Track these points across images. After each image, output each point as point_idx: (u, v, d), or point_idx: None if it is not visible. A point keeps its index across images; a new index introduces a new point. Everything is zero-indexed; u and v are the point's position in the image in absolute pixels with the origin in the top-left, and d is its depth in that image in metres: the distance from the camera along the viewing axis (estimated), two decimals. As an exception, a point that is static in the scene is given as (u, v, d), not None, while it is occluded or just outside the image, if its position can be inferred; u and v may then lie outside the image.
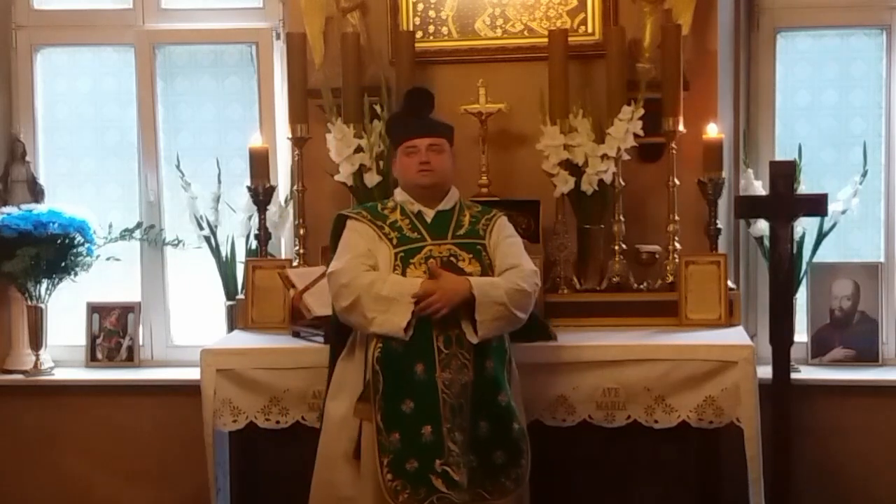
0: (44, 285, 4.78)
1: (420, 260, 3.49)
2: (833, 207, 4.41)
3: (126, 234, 4.86)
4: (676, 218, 4.17)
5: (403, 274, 3.46)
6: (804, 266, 4.53)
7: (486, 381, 3.43)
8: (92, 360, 4.94)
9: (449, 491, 3.35)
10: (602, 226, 4.21)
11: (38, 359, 4.84)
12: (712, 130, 4.18)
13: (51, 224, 4.70)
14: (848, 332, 4.63)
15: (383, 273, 3.48)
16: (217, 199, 4.77)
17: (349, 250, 3.53)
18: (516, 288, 3.46)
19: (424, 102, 3.69)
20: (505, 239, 3.61)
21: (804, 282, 4.56)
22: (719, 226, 4.17)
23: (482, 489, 3.42)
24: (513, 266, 3.52)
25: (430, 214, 3.58)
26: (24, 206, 4.79)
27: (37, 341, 4.84)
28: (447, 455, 3.35)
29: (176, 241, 4.88)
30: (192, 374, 3.97)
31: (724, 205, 4.33)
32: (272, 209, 4.49)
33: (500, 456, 3.44)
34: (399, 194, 3.65)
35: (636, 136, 4.10)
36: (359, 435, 3.47)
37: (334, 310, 3.56)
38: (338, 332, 3.63)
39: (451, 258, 3.50)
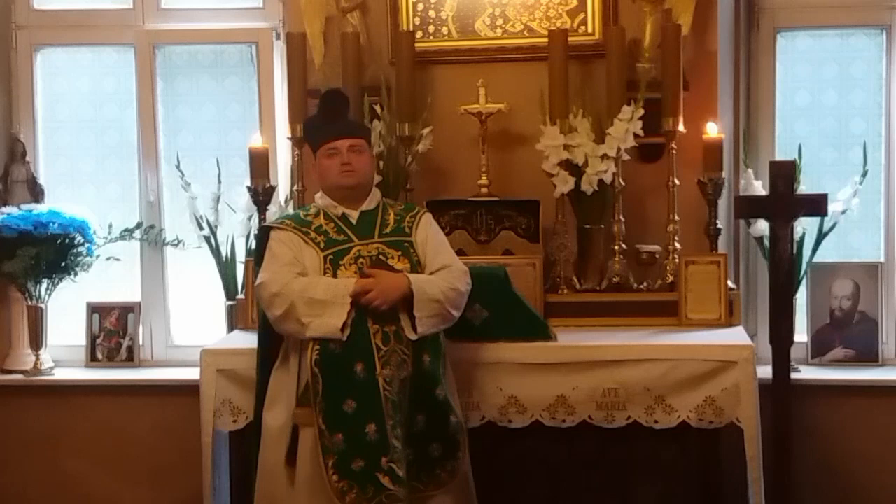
0: (44, 285, 4.78)
1: (350, 261, 3.50)
2: (833, 207, 4.41)
3: (126, 234, 4.86)
4: (676, 218, 4.17)
5: (334, 276, 3.48)
6: (804, 266, 4.53)
7: (423, 375, 3.46)
8: (92, 360, 4.94)
9: (395, 487, 3.36)
10: (602, 226, 4.20)
11: (38, 359, 4.84)
12: (712, 130, 4.18)
13: (51, 224, 4.70)
14: (848, 332, 4.62)
15: (315, 277, 3.48)
16: (217, 199, 4.77)
17: (275, 260, 3.53)
18: (451, 287, 3.51)
19: (340, 104, 3.70)
20: (434, 237, 3.64)
21: (804, 282, 4.56)
22: (719, 226, 4.16)
23: (417, 481, 3.45)
24: (444, 266, 3.57)
25: (354, 215, 3.60)
26: (24, 206, 4.79)
27: (37, 341, 4.84)
28: (392, 452, 3.37)
29: (176, 241, 4.88)
30: (192, 374, 3.97)
31: (724, 205, 4.33)
32: (272, 209, 4.49)
33: (437, 448, 3.48)
34: (321, 198, 3.66)
35: (636, 136, 4.10)
36: (292, 442, 3.48)
37: (264, 319, 3.57)
38: (267, 341, 3.64)
39: (381, 256, 3.52)
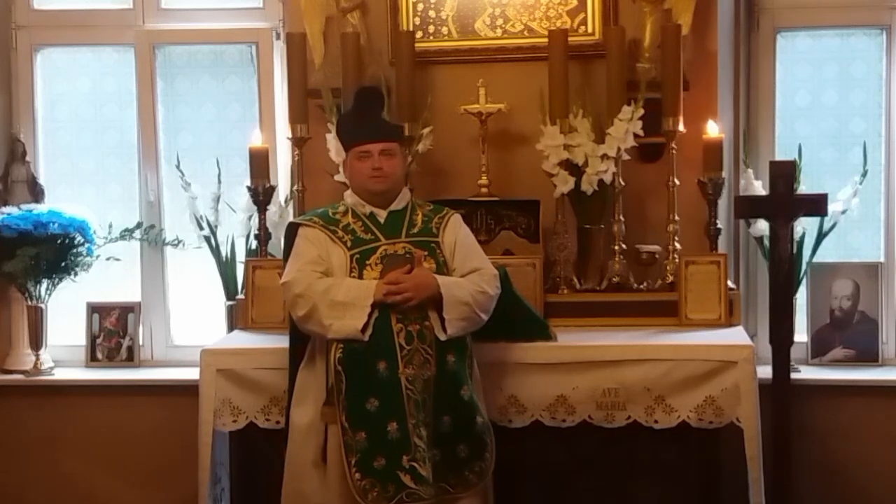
0: (44, 285, 4.79)
1: (376, 261, 3.50)
2: (833, 207, 4.42)
3: (126, 234, 4.86)
4: (676, 218, 4.17)
5: (360, 276, 3.47)
6: (804, 266, 4.54)
7: (447, 375, 3.45)
8: (92, 360, 4.94)
9: (417, 486, 3.35)
10: (602, 226, 4.20)
11: (38, 359, 4.85)
12: (712, 130, 4.18)
13: (51, 224, 4.70)
14: (848, 332, 4.62)
15: (338, 278, 3.48)
16: (217, 199, 4.77)
17: (300, 257, 3.53)
18: (480, 290, 3.50)
19: (375, 103, 3.68)
20: (463, 239, 3.64)
21: (804, 282, 4.56)
22: (719, 226, 4.16)
23: (445, 483, 3.44)
24: (475, 269, 3.56)
25: (382, 215, 3.59)
26: (24, 206, 4.80)
27: (37, 341, 4.84)
28: (414, 451, 3.36)
29: (176, 241, 4.88)
30: (192, 374, 3.96)
31: (724, 205, 4.33)
32: (272, 209, 4.49)
33: (464, 449, 3.47)
34: (349, 197, 3.65)
35: (636, 136, 4.10)
36: (325, 440, 3.47)
37: (291, 317, 3.57)
38: (295, 338, 3.64)
39: (407, 255, 3.50)
